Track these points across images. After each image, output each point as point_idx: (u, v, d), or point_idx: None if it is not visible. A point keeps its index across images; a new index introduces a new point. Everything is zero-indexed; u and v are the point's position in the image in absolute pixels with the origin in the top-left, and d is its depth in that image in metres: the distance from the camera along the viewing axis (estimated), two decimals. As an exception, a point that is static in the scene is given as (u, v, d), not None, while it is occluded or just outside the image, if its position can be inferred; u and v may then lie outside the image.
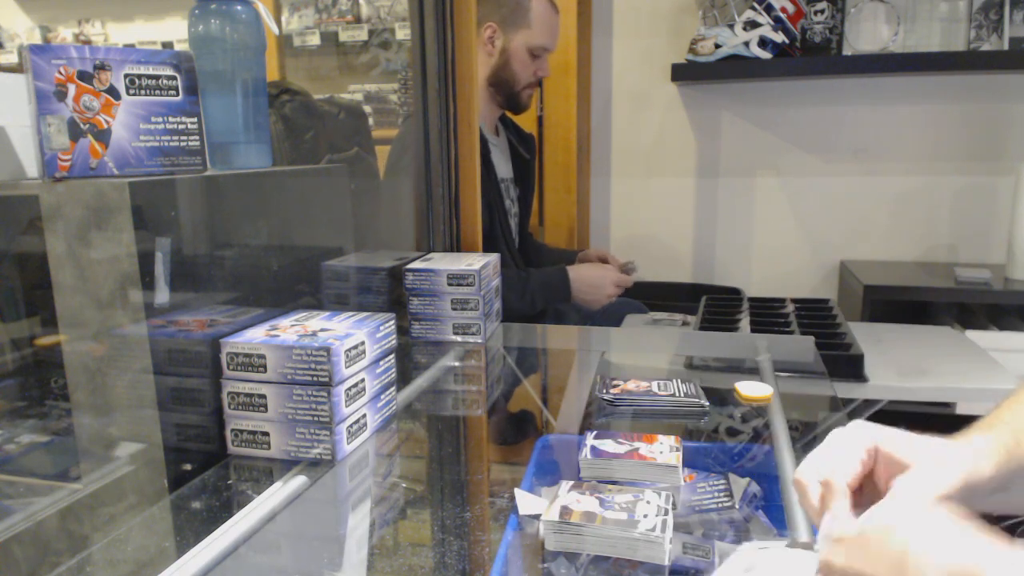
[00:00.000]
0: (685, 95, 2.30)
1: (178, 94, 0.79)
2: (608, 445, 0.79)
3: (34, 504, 0.73)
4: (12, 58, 3.33)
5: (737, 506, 0.71)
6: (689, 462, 0.77)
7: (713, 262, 2.38)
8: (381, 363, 0.90)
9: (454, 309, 1.25)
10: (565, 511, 0.64)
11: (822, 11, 2.03)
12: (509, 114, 1.88)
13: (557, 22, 1.75)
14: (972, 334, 1.65)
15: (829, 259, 2.28)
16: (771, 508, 0.72)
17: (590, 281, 1.73)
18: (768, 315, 1.56)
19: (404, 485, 0.82)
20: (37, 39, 3.43)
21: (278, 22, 2.79)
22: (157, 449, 0.77)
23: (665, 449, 0.77)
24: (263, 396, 0.80)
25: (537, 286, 1.68)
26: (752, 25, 1.99)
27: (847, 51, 2.04)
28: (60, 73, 0.70)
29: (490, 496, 0.76)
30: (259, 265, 0.93)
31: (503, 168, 1.82)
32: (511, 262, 1.75)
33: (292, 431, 0.80)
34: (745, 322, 1.49)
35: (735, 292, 2.20)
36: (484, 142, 1.68)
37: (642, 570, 0.61)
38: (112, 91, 0.74)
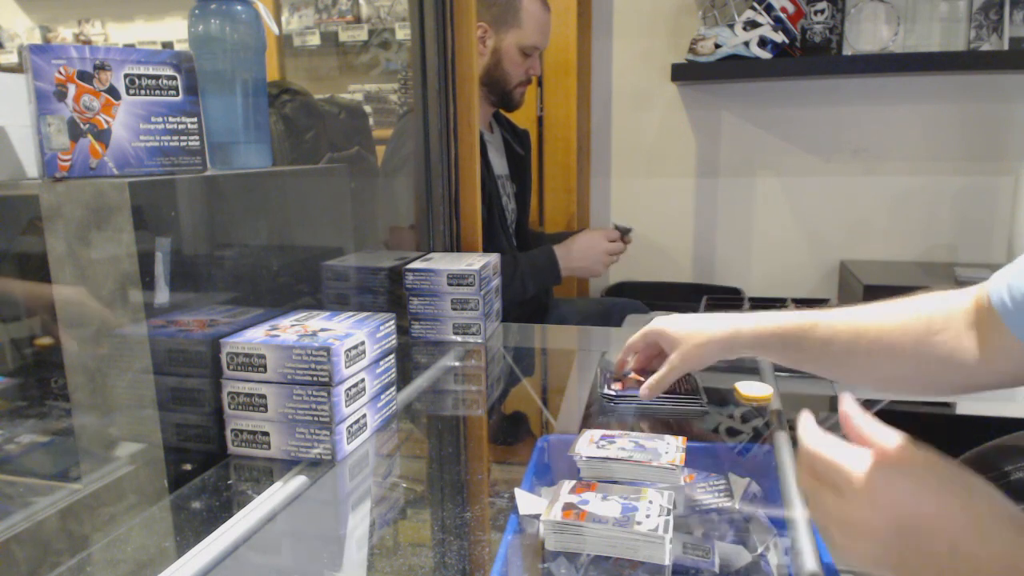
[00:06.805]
0: (685, 95, 2.30)
1: (178, 94, 0.79)
2: (608, 445, 0.78)
3: (34, 504, 0.73)
4: (12, 58, 3.33)
5: (737, 506, 0.71)
6: (689, 462, 0.77)
7: (713, 262, 2.38)
8: (381, 363, 0.90)
9: (454, 309, 1.25)
10: (565, 511, 0.64)
11: (822, 11, 2.03)
12: (503, 112, 1.88)
13: (548, 20, 1.75)
14: (972, 334, 1.64)
15: (829, 259, 2.28)
16: (771, 508, 0.72)
17: (578, 248, 1.69)
18: (768, 315, 1.56)
19: (404, 485, 0.82)
20: (37, 39, 3.43)
21: (278, 22, 2.79)
22: (157, 449, 0.77)
23: (671, 449, 0.77)
24: (263, 396, 0.80)
25: (526, 268, 1.65)
26: (752, 25, 1.99)
27: (847, 51, 2.04)
28: (60, 73, 0.70)
29: (490, 496, 0.76)
30: (259, 265, 0.93)
31: (498, 164, 1.81)
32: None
33: (292, 431, 0.80)
34: (745, 322, 1.49)
35: (735, 292, 2.20)
36: (480, 138, 1.67)
37: (642, 570, 0.61)
38: (112, 91, 0.74)
